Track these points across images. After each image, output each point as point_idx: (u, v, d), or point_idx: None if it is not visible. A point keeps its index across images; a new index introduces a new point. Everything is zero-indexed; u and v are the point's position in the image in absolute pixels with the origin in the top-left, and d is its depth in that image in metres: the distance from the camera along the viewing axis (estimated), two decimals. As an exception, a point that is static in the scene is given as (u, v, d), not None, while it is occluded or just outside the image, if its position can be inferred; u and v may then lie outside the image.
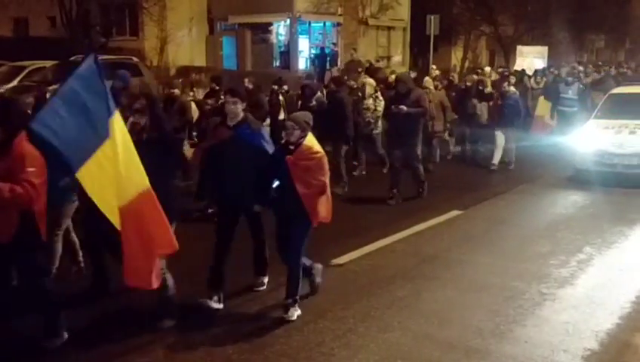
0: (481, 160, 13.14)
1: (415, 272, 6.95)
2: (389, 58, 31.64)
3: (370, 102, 11.89)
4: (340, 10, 29.56)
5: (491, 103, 12.74)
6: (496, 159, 12.72)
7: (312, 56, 28.76)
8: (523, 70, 16.33)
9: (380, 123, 11.90)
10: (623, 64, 29.70)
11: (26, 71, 17.47)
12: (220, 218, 6.23)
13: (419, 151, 10.22)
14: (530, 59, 25.48)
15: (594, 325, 5.53)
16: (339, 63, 26.77)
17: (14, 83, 16.01)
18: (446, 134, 13.80)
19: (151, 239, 4.85)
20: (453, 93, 14.15)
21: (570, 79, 15.25)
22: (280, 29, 29.77)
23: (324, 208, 5.86)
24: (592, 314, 5.79)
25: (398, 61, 32.37)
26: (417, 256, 7.54)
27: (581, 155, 11.59)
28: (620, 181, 10.94)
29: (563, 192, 10.98)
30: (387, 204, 9.90)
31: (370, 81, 12.62)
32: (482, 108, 12.85)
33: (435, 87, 13.01)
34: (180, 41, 26.95)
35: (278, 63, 29.37)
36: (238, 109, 5.98)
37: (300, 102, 11.73)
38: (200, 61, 28.09)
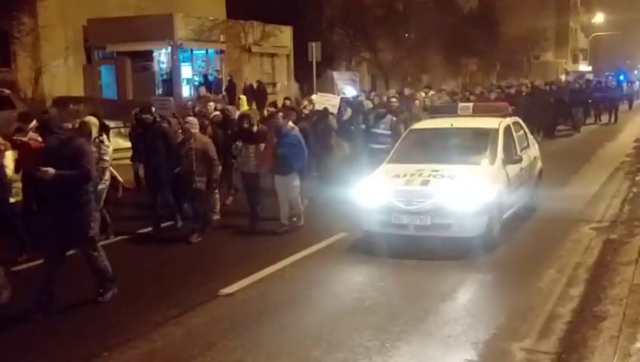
0: (262, 220, 10.17)
1: (303, 297, 7.03)
2: (274, 84, 31.98)
3: (92, 149, 8.15)
4: (222, 38, 29.63)
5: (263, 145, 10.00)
6: (284, 217, 9.85)
7: (196, 83, 28.57)
8: (326, 109, 12.64)
9: (108, 175, 9.25)
10: (468, 87, 28.33)
11: None
12: None
13: (93, 232, 6.84)
14: (343, 87, 21.53)
15: (473, 336, 5.79)
16: (222, 90, 26.78)
17: None
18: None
19: None
20: (229, 131, 11.26)
21: (382, 110, 12.60)
22: (161, 57, 29.39)
23: None
24: (470, 326, 6.06)
25: (284, 87, 32.80)
26: (306, 280, 7.62)
27: (366, 213, 8.77)
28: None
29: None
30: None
31: (93, 119, 9.21)
32: (250, 152, 10.11)
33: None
34: (56, 71, 25.94)
35: (160, 91, 28.94)
36: None
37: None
38: (78, 91, 27.17)
